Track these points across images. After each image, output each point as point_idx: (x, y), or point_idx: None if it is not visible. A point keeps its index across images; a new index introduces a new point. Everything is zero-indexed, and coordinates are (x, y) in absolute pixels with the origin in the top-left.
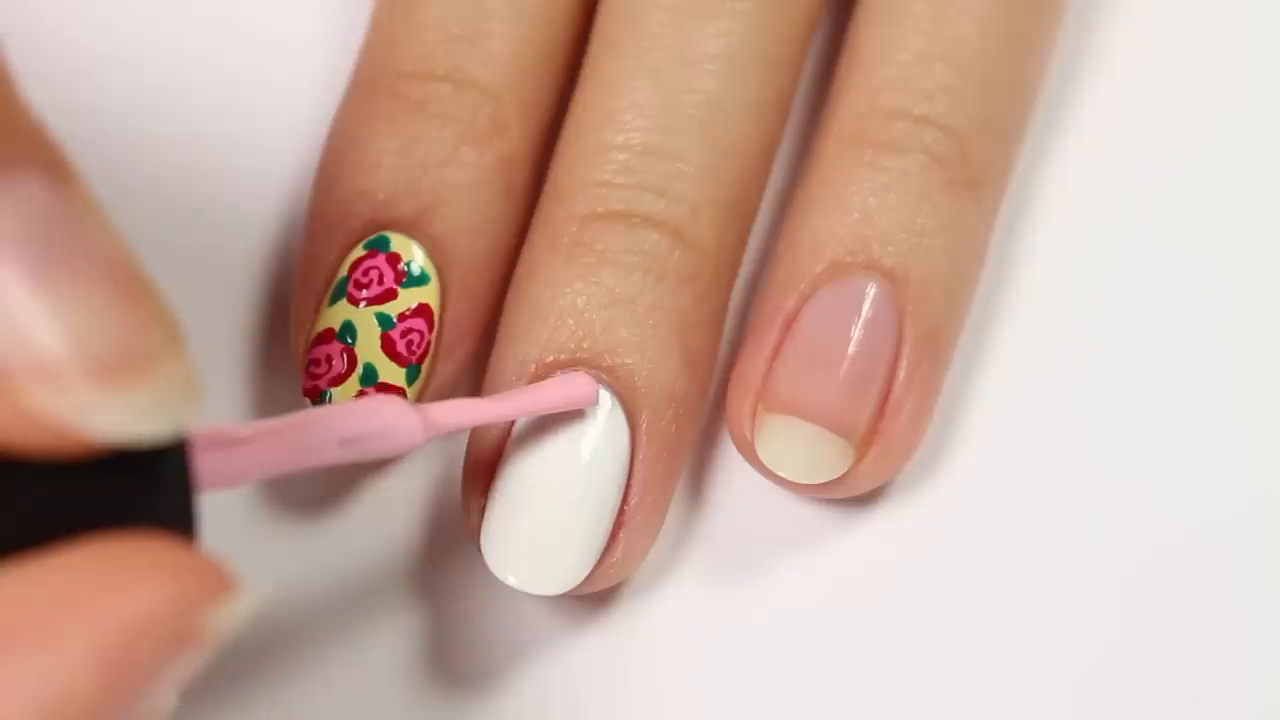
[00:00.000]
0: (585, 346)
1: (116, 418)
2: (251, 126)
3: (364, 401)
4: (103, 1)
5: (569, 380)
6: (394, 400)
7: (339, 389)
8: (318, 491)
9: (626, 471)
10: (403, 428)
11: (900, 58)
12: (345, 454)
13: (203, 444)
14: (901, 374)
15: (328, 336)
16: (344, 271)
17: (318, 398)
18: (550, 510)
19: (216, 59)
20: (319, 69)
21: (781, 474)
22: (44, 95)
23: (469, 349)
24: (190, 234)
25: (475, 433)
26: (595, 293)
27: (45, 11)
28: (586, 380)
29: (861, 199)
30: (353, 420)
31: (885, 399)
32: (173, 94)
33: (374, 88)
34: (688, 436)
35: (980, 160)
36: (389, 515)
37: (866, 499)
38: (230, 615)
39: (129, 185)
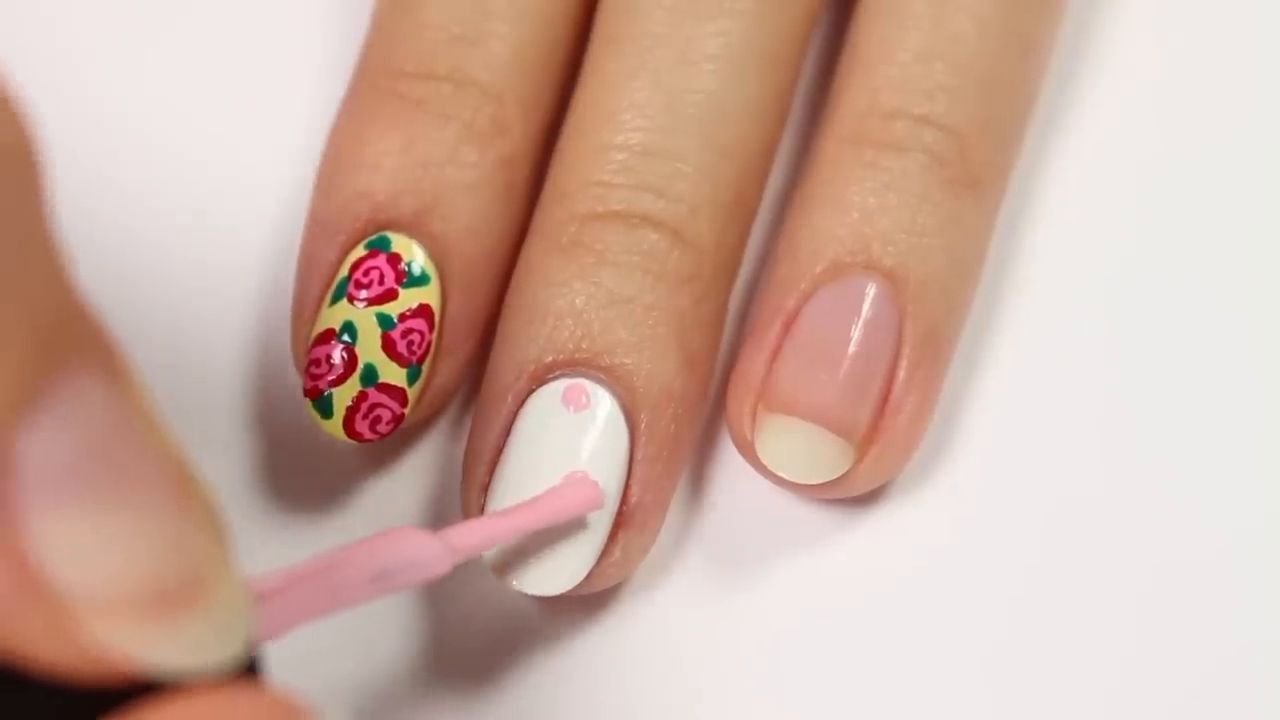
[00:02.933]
0: (584, 347)
1: (173, 651)
2: (251, 125)
3: (389, 536)
4: (101, 2)
5: (578, 485)
6: (416, 532)
7: (339, 389)
8: (317, 493)
9: (626, 471)
10: (429, 557)
11: (900, 57)
12: (377, 590)
13: None
14: (901, 374)
15: (328, 337)
16: (344, 272)
17: (318, 398)
18: None
19: (216, 57)
20: (319, 68)
21: (781, 474)
22: (45, 93)
23: (470, 349)
24: (189, 234)
25: (474, 433)
26: (594, 293)
27: (44, 6)
28: (592, 483)
29: (861, 199)
30: (380, 557)
31: (885, 399)
32: (172, 93)
33: (375, 87)
34: (687, 436)
35: (980, 160)
36: (389, 516)
37: (867, 499)
38: None
39: (128, 186)
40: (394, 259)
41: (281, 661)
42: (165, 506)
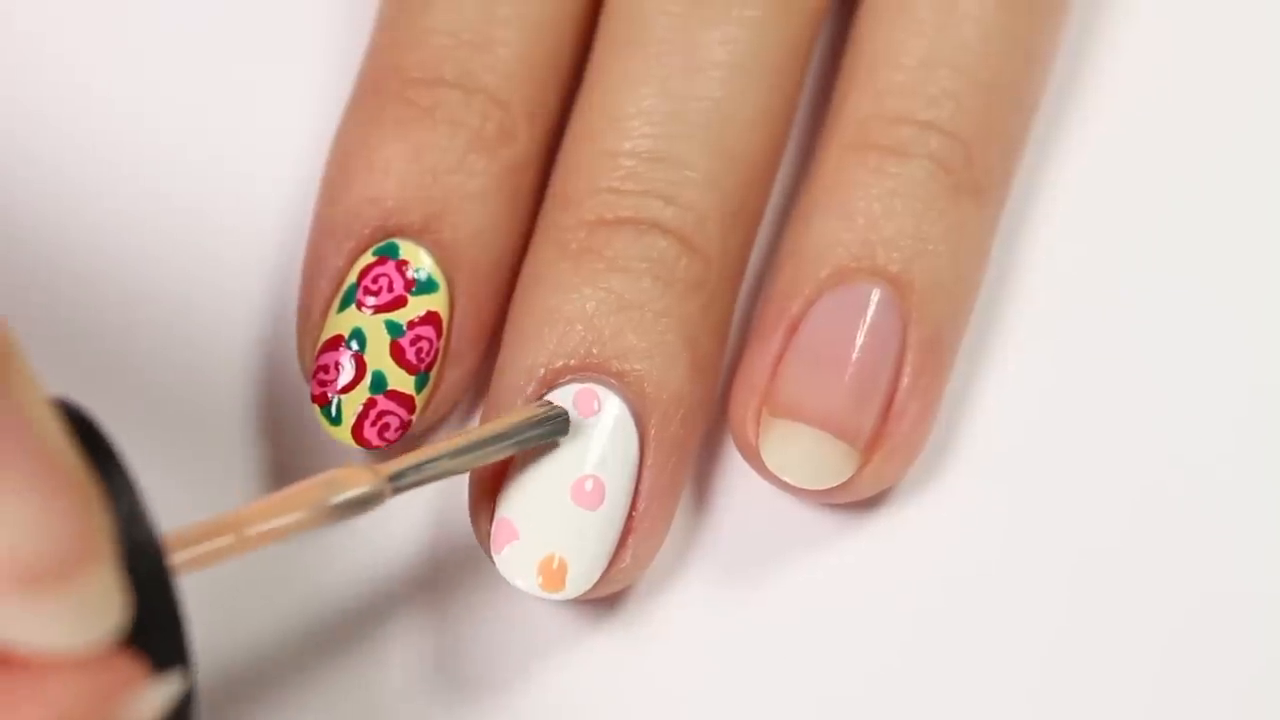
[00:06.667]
0: (594, 352)
1: (36, 628)
2: (252, 128)
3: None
4: (107, 3)
5: None
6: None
7: (348, 396)
8: None
9: (635, 477)
10: None
11: (904, 62)
12: None
13: None
14: (905, 379)
15: (336, 343)
16: (353, 278)
17: (326, 404)
18: (559, 516)
19: (218, 60)
20: (322, 70)
21: (786, 479)
22: (48, 97)
23: (478, 356)
24: (192, 239)
25: None
26: (604, 298)
27: (53, 7)
28: None
29: (866, 205)
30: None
31: (889, 404)
32: (173, 95)
33: (382, 92)
34: (694, 442)
35: (984, 166)
36: (400, 520)
37: (870, 503)
38: (150, 703)
39: (131, 189)
40: (402, 266)
41: (294, 664)
42: (38, 492)
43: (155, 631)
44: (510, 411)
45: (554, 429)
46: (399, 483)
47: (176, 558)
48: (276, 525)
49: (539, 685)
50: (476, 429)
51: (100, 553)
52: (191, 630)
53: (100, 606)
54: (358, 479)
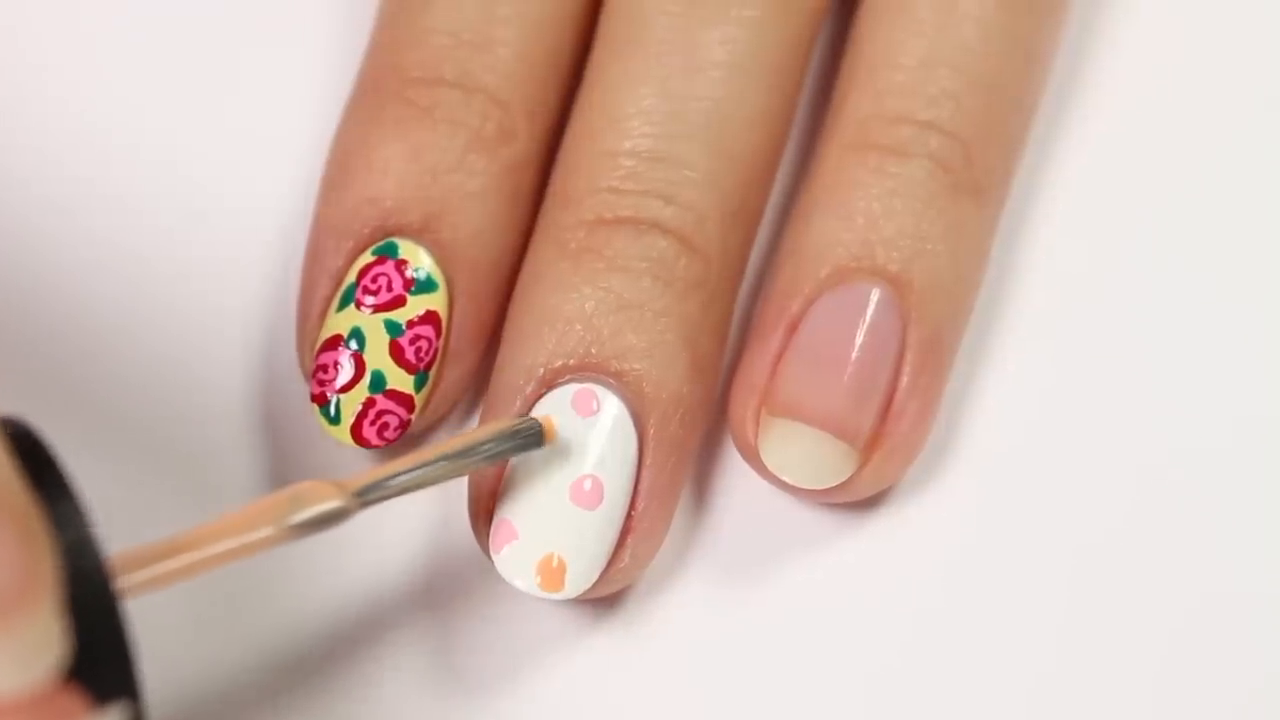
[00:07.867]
0: (594, 352)
1: None
2: (252, 127)
3: None
4: (108, 4)
5: None
6: None
7: (347, 395)
8: None
9: (634, 477)
10: None
11: (904, 62)
12: None
13: None
14: (905, 379)
15: (335, 343)
16: (352, 277)
17: (325, 404)
18: (558, 516)
19: (217, 59)
20: (320, 70)
21: (785, 479)
22: (46, 97)
23: (477, 355)
24: (192, 238)
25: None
26: (604, 298)
27: (52, 9)
28: None
29: (866, 204)
30: None
31: (889, 404)
32: (171, 96)
33: (382, 92)
34: (694, 441)
35: (984, 166)
36: (399, 519)
37: (870, 503)
38: None
39: (132, 189)
40: (401, 265)
41: (293, 664)
42: None
43: (100, 663)
44: (482, 426)
45: (525, 442)
46: (366, 497)
47: (131, 579)
48: (238, 543)
49: (538, 685)
50: (445, 442)
51: (44, 590)
52: (139, 659)
53: (41, 645)
54: (323, 494)
